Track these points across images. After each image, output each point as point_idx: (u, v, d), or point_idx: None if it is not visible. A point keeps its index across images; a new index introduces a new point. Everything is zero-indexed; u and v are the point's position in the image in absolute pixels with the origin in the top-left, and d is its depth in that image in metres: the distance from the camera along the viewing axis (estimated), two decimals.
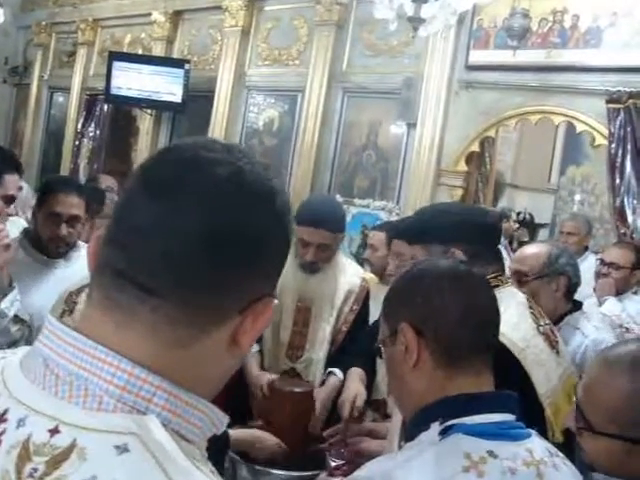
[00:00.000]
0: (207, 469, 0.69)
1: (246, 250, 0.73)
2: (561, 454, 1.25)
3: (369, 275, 3.20)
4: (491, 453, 1.11)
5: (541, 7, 5.10)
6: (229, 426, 0.97)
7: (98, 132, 8.46)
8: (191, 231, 0.70)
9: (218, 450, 1.94)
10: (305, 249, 2.66)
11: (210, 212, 0.71)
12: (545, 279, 2.60)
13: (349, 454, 2.20)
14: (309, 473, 2.19)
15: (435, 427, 1.16)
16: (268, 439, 2.25)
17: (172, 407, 0.70)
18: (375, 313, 2.94)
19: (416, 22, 3.60)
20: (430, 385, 1.23)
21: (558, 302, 2.64)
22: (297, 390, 2.41)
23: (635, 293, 4.02)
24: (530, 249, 2.80)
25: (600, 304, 3.80)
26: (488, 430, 1.14)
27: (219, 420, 0.76)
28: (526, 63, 5.19)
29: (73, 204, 2.59)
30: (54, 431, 0.66)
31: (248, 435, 2.25)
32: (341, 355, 2.76)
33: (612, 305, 3.76)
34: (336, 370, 2.68)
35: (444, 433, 1.15)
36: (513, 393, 1.24)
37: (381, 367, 2.43)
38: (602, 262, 3.93)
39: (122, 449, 0.64)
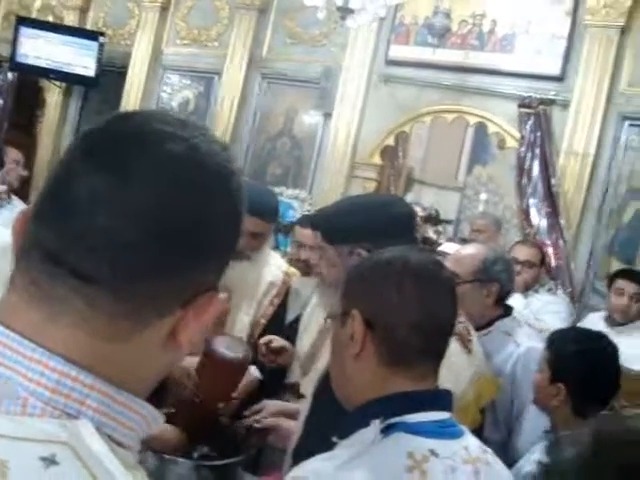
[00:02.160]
0: (142, 478, 0.63)
1: (196, 235, 0.66)
2: (490, 450, 1.28)
3: (292, 269, 3.16)
4: (433, 452, 1.12)
5: (462, 9, 5.22)
6: None
7: (1, 101, 8.06)
8: (137, 210, 0.62)
9: None
10: None
11: (159, 191, 0.63)
12: (477, 284, 2.52)
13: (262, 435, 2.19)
14: (219, 463, 2.18)
15: (375, 425, 1.14)
16: (168, 431, 2.19)
17: (107, 409, 0.63)
18: (296, 307, 2.94)
19: (345, 12, 3.60)
20: (371, 380, 1.21)
21: (487, 309, 2.57)
22: (233, 358, 2.37)
23: (536, 291, 4.19)
24: (466, 250, 2.70)
25: None
26: (429, 428, 1.15)
27: (154, 419, 0.69)
28: (444, 62, 5.30)
29: None
30: None
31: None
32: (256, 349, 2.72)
33: (516, 301, 3.88)
34: (251, 367, 2.64)
35: (385, 431, 1.14)
36: (450, 391, 1.25)
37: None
38: (516, 261, 4.04)
39: (49, 461, 0.56)
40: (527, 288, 4.07)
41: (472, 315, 2.27)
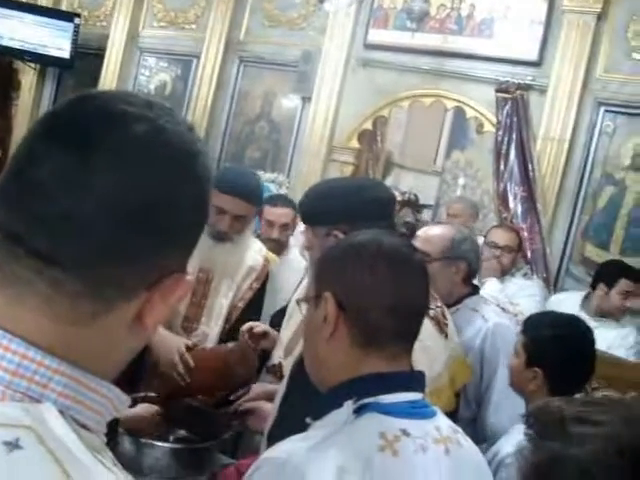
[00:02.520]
0: (109, 461, 0.63)
1: (160, 217, 0.65)
2: (461, 430, 1.29)
3: (271, 255, 3.16)
4: (404, 431, 1.13)
5: None
6: None
7: None
8: (99, 192, 0.62)
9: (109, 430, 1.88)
10: (219, 217, 2.54)
11: (123, 172, 0.63)
12: (445, 262, 2.60)
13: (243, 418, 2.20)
14: (194, 446, 2.19)
15: (349, 405, 1.15)
16: (145, 414, 2.20)
17: (71, 393, 0.62)
18: (275, 291, 2.94)
19: None
20: (345, 361, 1.22)
21: (455, 286, 2.66)
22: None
23: (512, 275, 4.22)
24: (434, 230, 2.79)
25: (481, 285, 3.95)
26: (401, 409, 1.16)
27: (120, 402, 0.69)
28: (423, 46, 5.29)
29: None
30: None
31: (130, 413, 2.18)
32: (233, 333, 2.72)
33: (492, 285, 3.92)
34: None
35: (358, 411, 1.15)
36: (423, 372, 1.26)
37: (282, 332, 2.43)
38: (495, 245, 4.07)
39: (13, 445, 0.55)
40: (504, 272, 4.09)
41: (441, 293, 2.33)
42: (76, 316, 0.64)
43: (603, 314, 3.95)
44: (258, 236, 3.37)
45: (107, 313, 0.65)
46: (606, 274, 4.07)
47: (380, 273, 1.22)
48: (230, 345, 2.49)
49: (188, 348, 2.48)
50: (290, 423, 1.33)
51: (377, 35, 5.50)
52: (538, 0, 4.93)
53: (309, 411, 1.26)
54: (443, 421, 1.25)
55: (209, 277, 2.70)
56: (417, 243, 2.69)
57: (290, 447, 1.15)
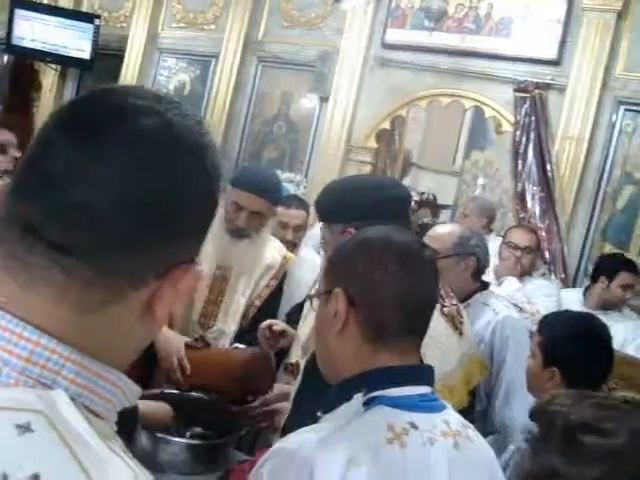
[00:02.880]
0: (119, 447, 0.63)
1: (169, 208, 0.67)
2: (472, 426, 1.30)
3: (291, 254, 3.18)
4: (412, 424, 1.14)
5: None
6: None
7: None
8: (110, 183, 0.64)
9: (128, 424, 1.90)
10: (237, 213, 2.57)
11: (132, 164, 0.65)
12: (455, 258, 2.66)
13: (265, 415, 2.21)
14: (210, 442, 2.20)
15: (358, 398, 1.17)
16: (162, 409, 2.22)
17: (82, 380, 0.64)
18: (295, 291, 2.95)
19: None
20: (355, 356, 1.23)
21: (465, 282, 2.71)
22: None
23: (531, 275, 4.20)
24: (443, 228, 2.88)
25: (499, 284, 3.94)
26: (410, 402, 1.17)
27: (131, 392, 0.70)
28: (441, 46, 5.28)
29: None
30: None
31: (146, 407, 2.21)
32: (250, 333, 2.73)
33: (511, 284, 3.91)
34: (241, 346, 2.66)
35: (367, 405, 1.16)
36: (432, 366, 1.27)
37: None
38: (515, 246, 4.06)
39: (24, 428, 0.57)
40: (524, 273, 4.08)
41: (452, 289, 2.32)
42: (87, 305, 0.65)
43: (605, 307, 3.96)
44: None
45: (117, 302, 0.67)
46: (606, 267, 4.09)
47: (390, 268, 1.24)
48: (249, 350, 2.50)
49: (189, 346, 2.49)
50: (303, 416, 1.35)
51: (395, 34, 5.50)
52: None
53: (321, 405, 1.27)
54: (453, 415, 1.25)
55: (227, 274, 2.72)
56: (427, 241, 2.71)
57: (299, 439, 1.16)
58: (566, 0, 4.87)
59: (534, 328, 3.52)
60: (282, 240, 3.44)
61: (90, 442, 0.59)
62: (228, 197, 2.60)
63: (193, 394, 2.39)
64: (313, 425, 1.21)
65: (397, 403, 1.16)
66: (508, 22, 5.07)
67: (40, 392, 0.60)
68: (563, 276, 4.71)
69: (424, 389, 1.22)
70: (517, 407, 2.50)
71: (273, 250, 2.85)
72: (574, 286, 4.75)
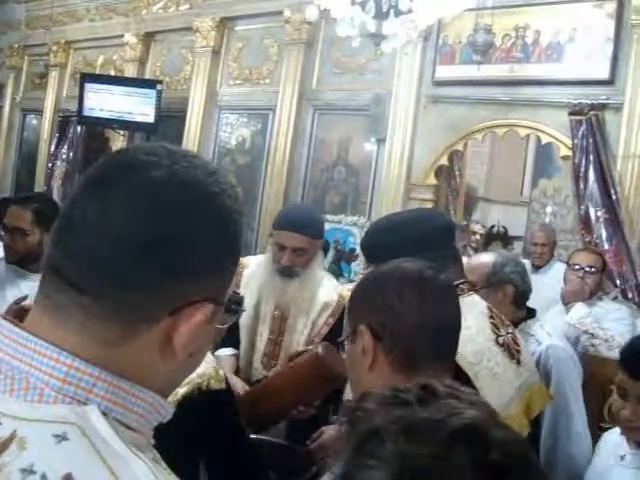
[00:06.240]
0: (149, 456, 0.71)
1: (171, 251, 0.74)
2: None
3: (347, 292, 3.21)
4: None
5: (504, 23, 5.19)
6: None
7: (71, 154, 8.44)
8: (116, 232, 0.73)
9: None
10: (281, 253, 2.68)
11: (136, 213, 0.73)
12: (491, 288, 2.62)
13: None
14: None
15: None
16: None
17: (113, 397, 0.73)
18: None
19: (377, 39, 3.66)
20: None
21: (507, 310, 2.62)
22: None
23: (600, 299, 4.09)
24: (476, 259, 2.86)
25: (568, 310, 3.85)
26: None
27: (164, 409, 0.79)
28: (491, 78, 5.28)
29: (14, 215, 2.74)
30: None
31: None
32: None
33: (579, 310, 3.80)
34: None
35: None
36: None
37: None
38: (579, 267, 3.99)
39: (61, 437, 0.66)
40: (591, 295, 3.98)
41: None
42: (108, 338, 0.74)
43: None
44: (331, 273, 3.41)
45: (133, 336, 0.75)
46: None
47: (407, 297, 1.26)
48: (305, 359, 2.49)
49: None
50: None
51: (445, 71, 5.54)
52: (605, 17, 4.84)
53: None
54: None
55: (285, 314, 2.78)
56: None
57: None
58: (614, 18, 4.81)
59: (609, 354, 3.44)
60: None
61: (116, 448, 0.68)
62: (273, 240, 2.70)
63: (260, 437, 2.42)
64: None
65: None
66: (557, 46, 5.03)
67: (75, 408, 0.70)
68: (638, 300, 4.55)
69: None
70: (562, 437, 2.44)
71: (329, 288, 2.90)
72: None
